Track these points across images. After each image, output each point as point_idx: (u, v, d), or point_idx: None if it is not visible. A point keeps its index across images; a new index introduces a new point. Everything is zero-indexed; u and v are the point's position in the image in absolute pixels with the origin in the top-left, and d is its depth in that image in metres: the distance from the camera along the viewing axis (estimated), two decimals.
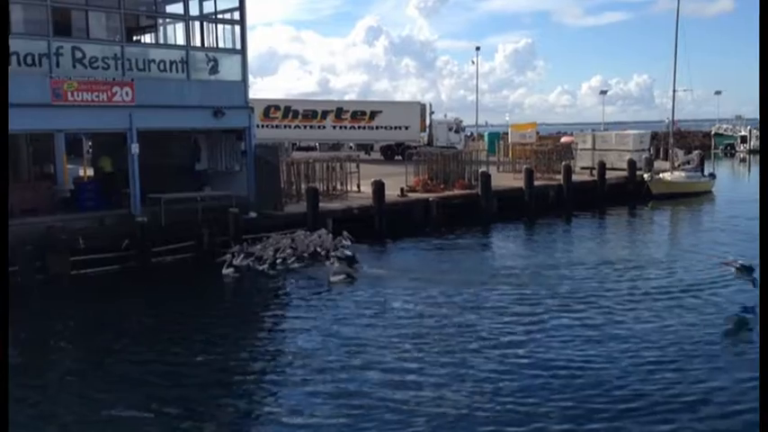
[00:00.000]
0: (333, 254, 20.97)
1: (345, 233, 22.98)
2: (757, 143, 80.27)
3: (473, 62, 63.36)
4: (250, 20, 28.18)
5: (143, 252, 20.24)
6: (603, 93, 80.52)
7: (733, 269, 16.08)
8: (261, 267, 20.32)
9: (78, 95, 20.48)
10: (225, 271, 19.93)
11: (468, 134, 61.12)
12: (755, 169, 64.81)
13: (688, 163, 40.20)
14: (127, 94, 21.36)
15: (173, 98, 22.51)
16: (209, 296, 18.57)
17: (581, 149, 40.67)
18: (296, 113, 51.56)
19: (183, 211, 21.71)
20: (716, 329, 14.46)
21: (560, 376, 11.94)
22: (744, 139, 79.67)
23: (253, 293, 19.09)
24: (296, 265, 20.61)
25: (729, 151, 78.23)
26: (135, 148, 21.60)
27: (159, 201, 21.42)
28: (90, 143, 32.57)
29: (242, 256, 20.48)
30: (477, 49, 66.82)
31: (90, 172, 27.25)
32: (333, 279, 19.08)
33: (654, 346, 13.54)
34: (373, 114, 51.37)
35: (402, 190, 28.98)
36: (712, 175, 40.35)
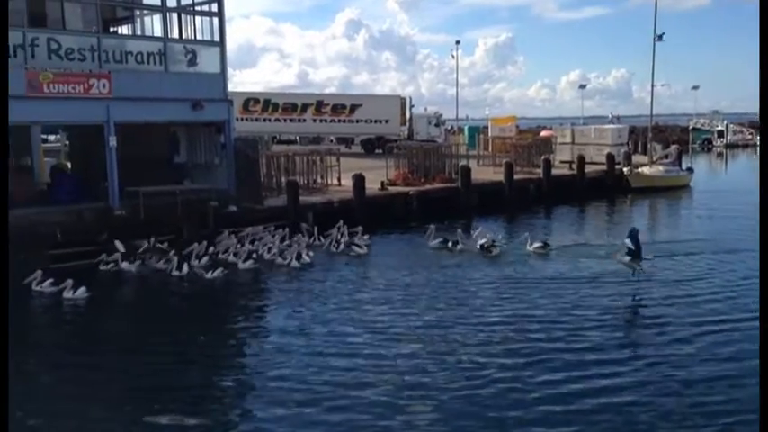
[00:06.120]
0: (299, 258, 19.98)
1: (361, 228, 22.94)
2: (733, 138, 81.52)
3: (453, 56, 63.19)
4: (228, 11, 28.00)
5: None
6: (582, 87, 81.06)
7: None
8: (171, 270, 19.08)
9: (54, 87, 20.21)
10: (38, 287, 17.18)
11: (449, 128, 61.18)
12: (732, 164, 65.73)
13: (666, 157, 40.58)
14: (104, 86, 21.11)
15: (150, 90, 22.26)
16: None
17: (560, 143, 40.96)
18: (276, 106, 51.29)
19: (161, 205, 21.51)
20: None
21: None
22: (720, 134, 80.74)
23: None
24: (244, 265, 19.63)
25: (706, 146, 79.15)
26: (113, 141, 21.35)
27: (138, 194, 21.20)
28: (67, 135, 32.20)
29: (47, 281, 17.06)
30: (457, 42, 67.03)
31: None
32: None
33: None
34: (353, 108, 51.22)
35: (382, 184, 28.96)
36: (690, 170, 40.79)
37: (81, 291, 16.62)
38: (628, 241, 16.35)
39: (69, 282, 16.66)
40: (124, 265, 19.14)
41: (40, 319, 15.84)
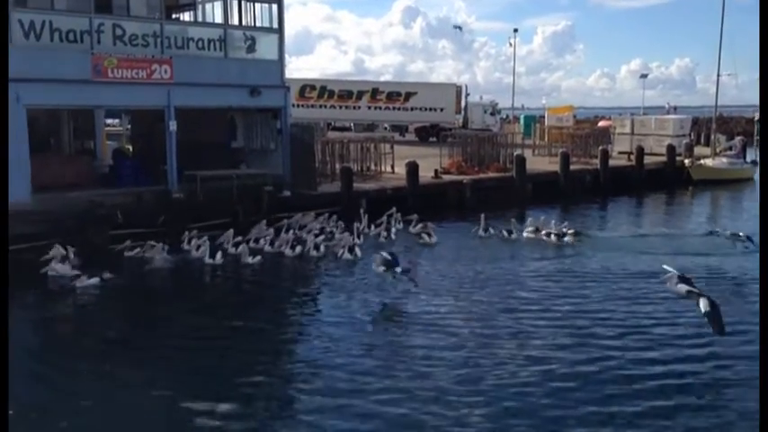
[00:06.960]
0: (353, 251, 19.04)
1: (416, 216, 22.39)
2: None
3: (510, 44, 62.15)
4: None
5: (179, 228, 20.46)
6: (644, 76, 78.27)
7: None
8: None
9: (118, 72, 20.78)
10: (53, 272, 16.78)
11: (504, 117, 60.48)
12: None
13: (730, 149, 39.31)
14: (165, 71, 21.60)
15: (210, 76, 22.66)
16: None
17: (619, 134, 40.11)
18: (331, 93, 51.64)
19: (218, 189, 21.93)
20: None
21: None
22: None
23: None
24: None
25: None
26: (173, 126, 21.85)
27: (195, 178, 21.64)
28: (129, 119, 33.10)
29: (65, 263, 16.92)
30: (515, 30, 65.51)
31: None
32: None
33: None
34: (408, 95, 51.15)
35: (436, 172, 28.86)
36: (754, 162, 39.35)
37: (94, 279, 16.12)
38: (384, 253, 16.21)
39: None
40: (58, 266, 16.81)
41: (52, 307, 15.36)
